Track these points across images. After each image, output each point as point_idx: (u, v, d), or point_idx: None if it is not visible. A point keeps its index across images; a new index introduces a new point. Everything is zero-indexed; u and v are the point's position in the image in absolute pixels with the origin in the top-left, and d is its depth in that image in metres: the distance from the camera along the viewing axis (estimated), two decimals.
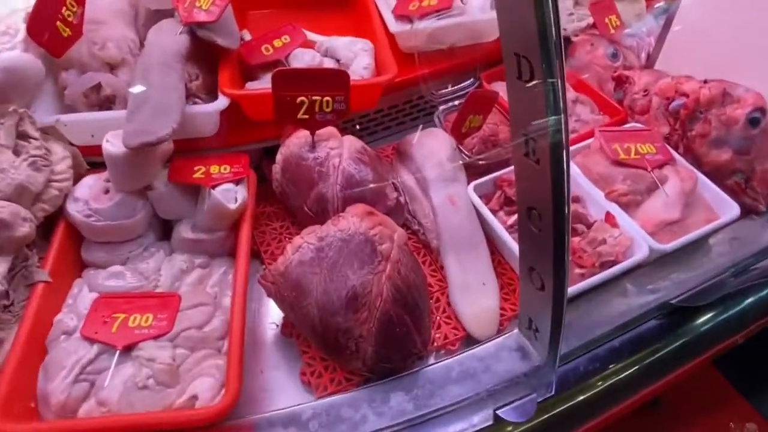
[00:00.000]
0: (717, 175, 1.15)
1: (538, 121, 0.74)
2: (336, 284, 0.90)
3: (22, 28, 1.04)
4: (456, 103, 1.34)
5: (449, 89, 1.37)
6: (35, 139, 1.01)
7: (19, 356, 0.89)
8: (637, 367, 1.02)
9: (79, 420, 0.87)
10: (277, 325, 1.06)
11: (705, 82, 1.15)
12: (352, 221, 0.94)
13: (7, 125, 0.99)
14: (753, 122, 1.10)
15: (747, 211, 1.14)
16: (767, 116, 1.11)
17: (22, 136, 1.01)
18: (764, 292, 1.12)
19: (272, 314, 1.08)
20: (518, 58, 0.72)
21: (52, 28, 1.02)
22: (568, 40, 1.47)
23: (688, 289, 1.07)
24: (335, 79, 1.04)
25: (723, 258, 1.12)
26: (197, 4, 1.11)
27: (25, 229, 0.95)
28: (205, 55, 1.17)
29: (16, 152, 0.99)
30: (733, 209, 1.10)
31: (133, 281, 1.03)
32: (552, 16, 0.64)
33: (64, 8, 1.03)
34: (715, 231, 1.10)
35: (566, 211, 0.78)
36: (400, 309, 0.91)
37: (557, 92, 0.70)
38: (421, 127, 1.25)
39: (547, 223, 0.79)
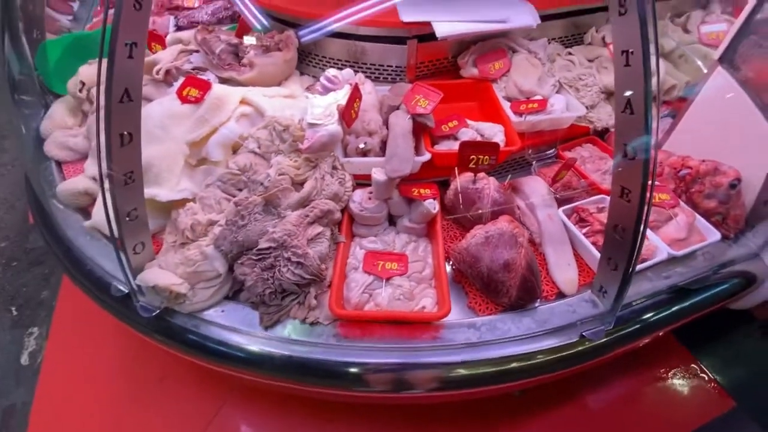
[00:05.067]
0: (706, 215, 1.11)
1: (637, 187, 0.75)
2: (497, 257, 0.93)
3: (335, 113, 1.08)
4: (542, 161, 1.30)
5: (539, 154, 1.33)
6: (339, 169, 1.08)
7: (337, 279, 0.95)
8: (655, 318, 0.99)
9: (367, 312, 0.93)
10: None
11: (703, 161, 1.10)
12: (503, 224, 0.96)
13: (328, 162, 1.07)
14: (732, 187, 1.06)
15: (723, 237, 1.09)
16: (740, 183, 1.06)
17: (333, 168, 1.08)
18: (726, 285, 1.07)
19: None
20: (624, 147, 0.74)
21: (349, 114, 1.08)
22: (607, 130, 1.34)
23: (688, 278, 1.03)
24: (491, 147, 1.03)
25: (706, 263, 1.07)
26: (420, 103, 1.11)
27: (338, 215, 1.04)
28: (417, 130, 1.17)
29: (331, 175, 1.07)
30: (715, 235, 1.06)
31: (381, 246, 1.05)
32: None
33: (354, 104, 1.09)
34: (704, 247, 1.07)
35: (642, 231, 0.78)
36: (529, 273, 0.93)
37: (648, 165, 0.73)
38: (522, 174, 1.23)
39: (629, 235, 0.80)
